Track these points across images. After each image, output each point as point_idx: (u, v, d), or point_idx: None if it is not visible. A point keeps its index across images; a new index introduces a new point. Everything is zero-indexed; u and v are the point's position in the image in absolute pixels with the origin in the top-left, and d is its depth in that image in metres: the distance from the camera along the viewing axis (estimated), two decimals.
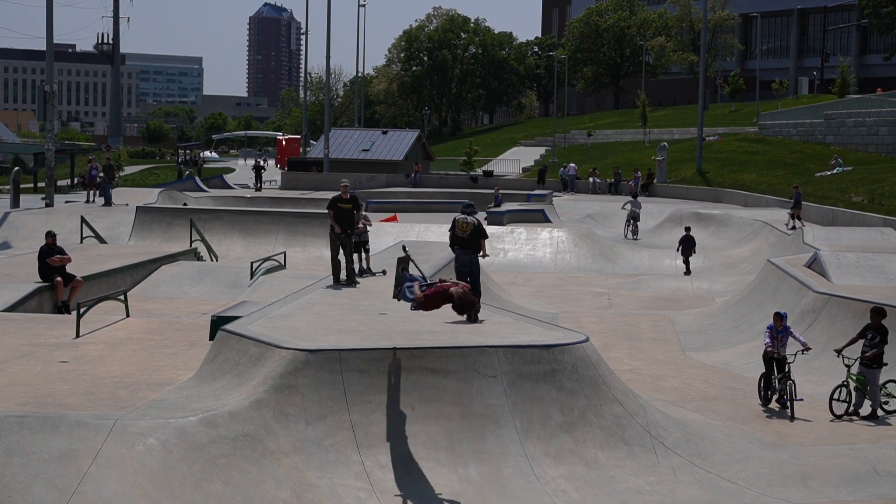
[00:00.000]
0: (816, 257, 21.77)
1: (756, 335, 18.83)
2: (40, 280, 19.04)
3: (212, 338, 13.74)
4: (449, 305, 12.80)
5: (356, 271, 17.23)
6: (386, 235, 31.44)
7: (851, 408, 13.81)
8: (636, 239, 36.98)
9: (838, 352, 14.11)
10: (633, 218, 37.73)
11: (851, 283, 19.60)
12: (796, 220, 32.86)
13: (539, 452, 11.11)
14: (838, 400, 13.83)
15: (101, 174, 38.08)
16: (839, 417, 13.70)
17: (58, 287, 18.93)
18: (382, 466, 10.49)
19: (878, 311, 14.18)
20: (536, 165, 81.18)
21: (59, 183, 45.88)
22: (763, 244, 31.58)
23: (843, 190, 40.32)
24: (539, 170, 62.56)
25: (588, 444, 11.38)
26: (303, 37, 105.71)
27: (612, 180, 59.30)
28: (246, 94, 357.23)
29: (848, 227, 30.28)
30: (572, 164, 64.54)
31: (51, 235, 19.64)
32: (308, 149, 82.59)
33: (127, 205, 35.54)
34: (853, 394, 13.83)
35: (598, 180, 60.54)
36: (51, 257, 19.09)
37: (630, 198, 39.39)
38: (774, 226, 33.19)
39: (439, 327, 12.87)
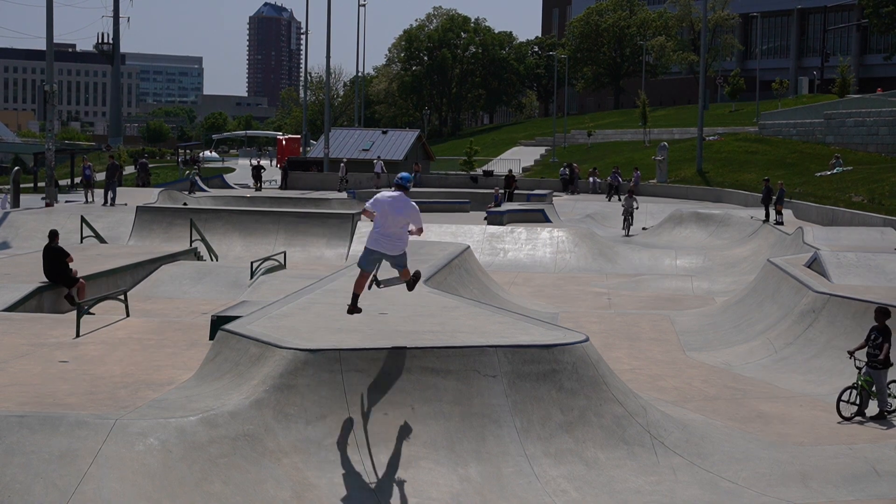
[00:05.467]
0: (816, 257, 21.77)
1: (756, 335, 18.85)
2: (46, 280, 18.94)
3: (212, 338, 13.73)
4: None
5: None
6: None
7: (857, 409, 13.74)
8: (628, 235, 37.94)
9: (851, 354, 14.01)
10: (628, 213, 38.62)
11: (851, 283, 19.59)
12: (778, 214, 34.25)
13: (539, 452, 11.11)
14: (847, 402, 13.71)
15: (104, 172, 38.09)
16: (848, 419, 13.58)
17: (81, 288, 18.85)
18: (382, 466, 10.49)
19: (883, 312, 14.12)
20: (536, 165, 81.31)
21: (60, 183, 45.90)
22: (763, 244, 31.59)
23: (843, 190, 40.33)
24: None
25: (588, 444, 11.38)
26: (303, 37, 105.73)
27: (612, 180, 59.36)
28: (246, 94, 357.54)
29: (848, 227, 30.29)
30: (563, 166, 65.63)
31: (56, 235, 19.56)
32: (308, 149, 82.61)
33: (126, 204, 35.56)
34: (861, 396, 13.74)
35: (598, 180, 60.57)
36: (67, 256, 18.99)
37: (626, 194, 40.16)
38: (774, 225, 33.33)
39: (439, 327, 12.87)
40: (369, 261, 11.47)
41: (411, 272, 11.69)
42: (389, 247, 11.25)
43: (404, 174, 11.51)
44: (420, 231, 11.39)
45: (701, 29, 70.47)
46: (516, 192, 49.42)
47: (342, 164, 59.23)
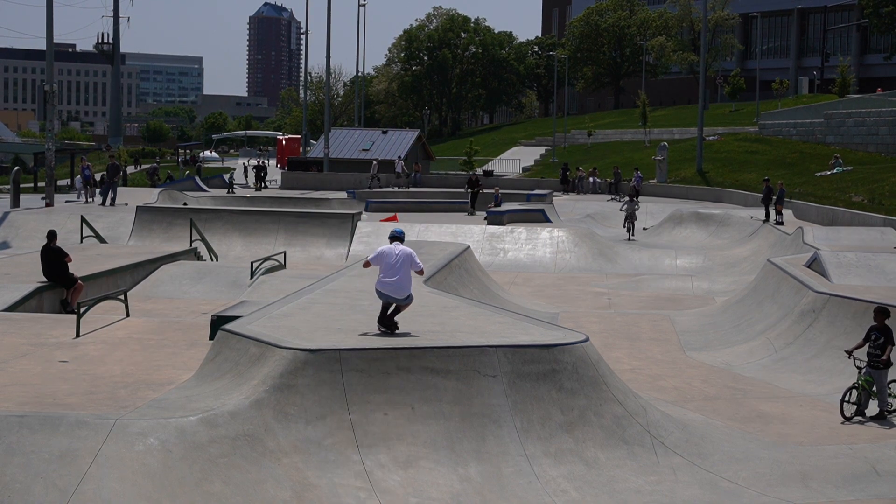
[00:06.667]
0: (816, 257, 21.78)
1: (756, 335, 18.85)
2: (45, 280, 18.91)
3: (212, 338, 13.74)
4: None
5: None
6: (385, 235, 31.43)
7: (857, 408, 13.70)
8: (632, 239, 36.52)
9: (849, 353, 13.98)
10: (630, 217, 37.16)
11: (851, 283, 19.60)
12: (778, 214, 34.47)
13: (539, 452, 11.11)
14: (849, 402, 13.68)
15: (105, 172, 38.03)
16: (848, 419, 13.55)
17: (79, 290, 18.80)
18: (382, 466, 10.49)
19: (882, 311, 14.09)
20: (536, 165, 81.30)
21: (60, 183, 45.91)
22: (763, 244, 31.59)
23: (843, 190, 40.32)
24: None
25: (588, 444, 11.38)
26: (303, 37, 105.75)
27: (613, 180, 59.34)
28: (246, 94, 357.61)
29: (848, 227, 30.30)
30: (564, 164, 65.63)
31: (54, 235, 19.53)
32: (308, 148, 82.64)
33: (126, 204, 35.56)
34: (861, 395, 13.70)
35: (598, 180, 60.58)
36: (66, 256, 18.97)
37: (626, 197, 39.73)
38: (774, 225, 33.35)
39: (439, 327, 12.88)
40: (383, 301, 12.63)
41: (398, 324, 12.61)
42: (394, 291, 12.44)
43: (398, 229, 12.98)
44: (421, 272, 12.78)
45: (701, 29, 70.46)
46: (481, 192, 45.02)
47: (374, 163, 59.47)
